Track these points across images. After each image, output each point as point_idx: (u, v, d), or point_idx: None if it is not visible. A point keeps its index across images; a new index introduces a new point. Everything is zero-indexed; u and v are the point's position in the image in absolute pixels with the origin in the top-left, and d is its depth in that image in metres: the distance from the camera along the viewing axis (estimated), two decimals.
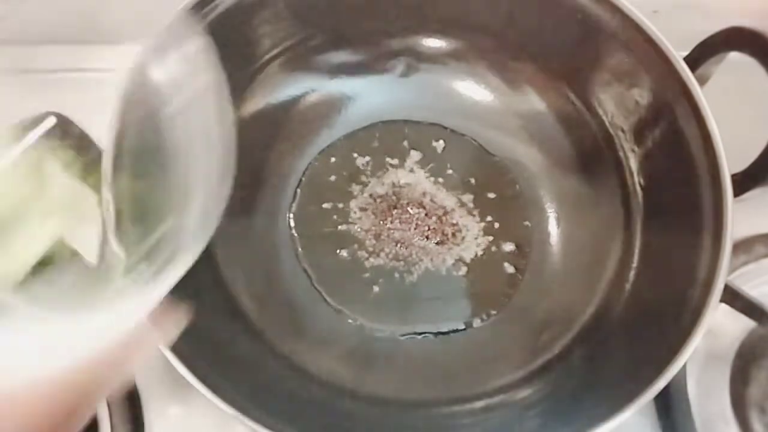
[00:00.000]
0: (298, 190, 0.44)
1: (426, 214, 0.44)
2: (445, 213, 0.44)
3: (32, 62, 0.51)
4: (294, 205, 0.44)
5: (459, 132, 0.47)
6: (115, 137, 0.33)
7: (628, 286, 0.39)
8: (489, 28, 0.45)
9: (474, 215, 0.44)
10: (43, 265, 0.29)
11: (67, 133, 0.32)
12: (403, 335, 0.41)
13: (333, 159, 0.45)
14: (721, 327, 0.43)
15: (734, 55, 0.37)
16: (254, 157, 0.43)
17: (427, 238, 0.43)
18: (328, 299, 0.41)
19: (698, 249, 0.35)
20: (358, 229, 0.43)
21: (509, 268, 0.43)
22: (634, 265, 0.40)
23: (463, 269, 0.43)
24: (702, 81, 0.39)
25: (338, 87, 0.46)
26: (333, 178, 0.45)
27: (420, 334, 0.41)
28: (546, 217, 0.44)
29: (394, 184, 0.45)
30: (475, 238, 0.43)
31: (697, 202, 0.36)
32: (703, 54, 0.39)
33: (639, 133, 0.41)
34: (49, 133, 0.29)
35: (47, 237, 0.29)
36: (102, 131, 0.33)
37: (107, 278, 0.24)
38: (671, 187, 0.39)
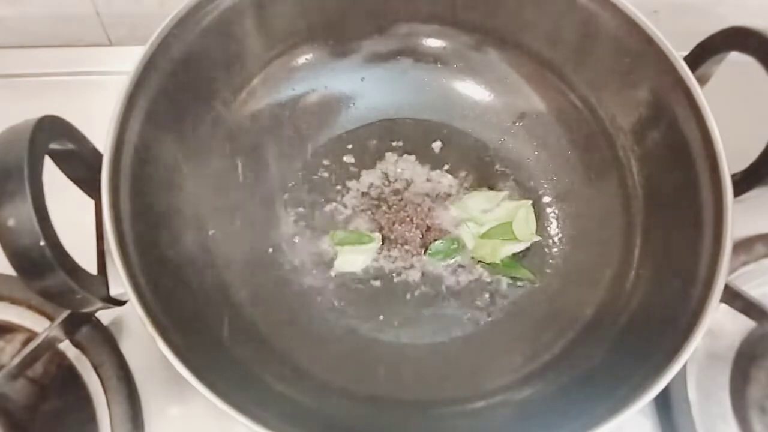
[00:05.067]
0: (298, 190, 0.44)
1: (425, 214, 0.44)
2: (444, 212, 0.44)
3: (31, 65, 0.52)
4: (293, 203, 0.44)
5: (458, 131, 0.47)
6: (114, 141, 0.33)
7: (628, 286, 0.39)
8: (489, 29, 0.45)
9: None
10: None
11: (67, 137, 0.32)
12: (403, 336, 0.41)
13: (332, 158, 0.45)
14: (721, 327, 0.43)
15: (734, 55, 0.37)
16: (253, 157, 0.43)
17: (426, 237, 0.43)
18: (328, 300, 0.41)
19: (698, 249, 0.35)
20: (357, 228, 0.43)
21: None
22: (634, 265, 0.40)
23: (463, 269, 0.43)
24: (702, 81, 0.39)
25: (338, 87, 0.46)
26: (332, 177, 0.45)
27: (420, 335, 0.41)
28: (546, 217, 0.44)
29: (393, 184, 0.45)
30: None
31: (697, 202, 0.36)
32: (703, 54, 0.39)
33: (639, 133, 0.41)
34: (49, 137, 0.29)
35: None
36: (101, 134, 0.33)
37: None
38: (671, 187, 0.39)
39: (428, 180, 0.45)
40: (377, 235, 0.43)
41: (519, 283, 0.42)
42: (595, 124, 0.43)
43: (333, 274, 0.42)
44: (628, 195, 0.41)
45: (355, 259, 0.42)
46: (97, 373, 0.39)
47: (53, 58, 0.52)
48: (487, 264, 0.42)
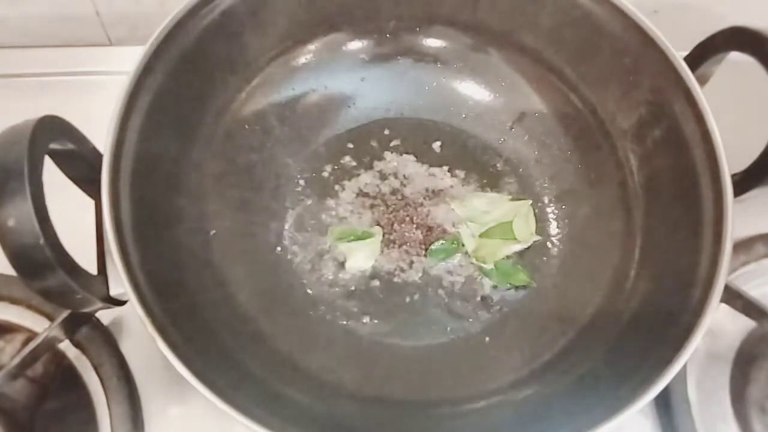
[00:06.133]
0: (297, 190, 0.44)
1: (425, 214, 0.44)
2: (444, 212, 0.44)
3: (31, 65, 0.52)
4: (293, 203, 0.44)
5: (458, 131, 0.47)
6: (114, 141, 0.33)
7: (628, 286, 0.39)
8: (489, 29, 0.45)
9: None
10: None
11: (67, 137, 0.32)
12: (403, 336, 0.40)
13: (332, 158, 0.45)
14: (721, 327, 0.43)
15: (734, 55, 0.37)
16: (254, 157, 0.43)
17: (426, 237, 0.43)
18: (328, 300, 0.41)
19: (698, 249, 0.35)
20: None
21: None
22: (634, 265, 0.40)
23: (463, 269, 0.43)
24: (702, 81, 0.39)
25: (338, 87, 0.46)
26: (332, 177, 0.45)
27: (420, 335, 0.41)
28: (546, 217, 0.44)
29: (392, 184, 0.45)
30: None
31: (697, 202, 0.36)
32: (703, 54, 0.39)
33: (639, 133, 0.41)
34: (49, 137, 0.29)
35: None
36: (101, 134, 0.33)
37: None
38: (671, 187, 0.39)
39: (428, 180, 0.45)
40: (377, 229, 0.43)
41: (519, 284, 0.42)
42: (595, 124, 0.43)
43: (333, 274, 0.42)
44: (628, 195, 0.41)
45: (362, 257, 0.42)
46: (97, 373, 0.39)
47: (53, 58, 0.52)
48: (485, 272, 0.42)
